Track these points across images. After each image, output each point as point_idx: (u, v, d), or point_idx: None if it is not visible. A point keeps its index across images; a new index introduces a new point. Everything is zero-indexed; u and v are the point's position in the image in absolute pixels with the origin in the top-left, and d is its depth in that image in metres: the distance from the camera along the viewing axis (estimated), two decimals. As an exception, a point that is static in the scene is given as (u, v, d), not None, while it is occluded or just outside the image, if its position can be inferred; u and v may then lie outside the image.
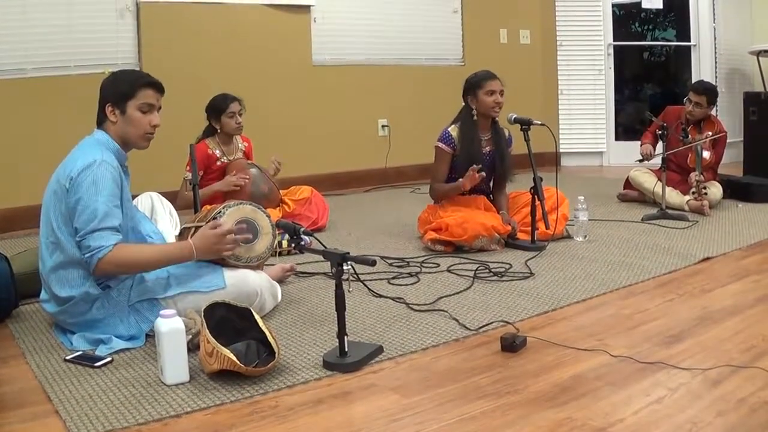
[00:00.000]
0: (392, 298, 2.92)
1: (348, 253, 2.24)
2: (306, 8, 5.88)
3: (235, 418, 1.91)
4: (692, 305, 2.78)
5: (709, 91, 4.80)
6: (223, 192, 4.01)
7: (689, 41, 7.37)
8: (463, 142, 3.78)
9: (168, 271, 2.50)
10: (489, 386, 2.07)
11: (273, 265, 3.18)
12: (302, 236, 2.58)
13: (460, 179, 3.69)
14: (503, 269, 3.31)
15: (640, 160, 4.82)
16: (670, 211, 4.45)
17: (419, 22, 6.57)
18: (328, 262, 2.29)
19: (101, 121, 2.50)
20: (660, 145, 4.54)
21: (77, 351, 2.36)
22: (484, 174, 3.73)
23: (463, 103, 3.86)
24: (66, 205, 2.35)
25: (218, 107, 4.08)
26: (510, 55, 7.03)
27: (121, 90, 2.45)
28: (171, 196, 3.32)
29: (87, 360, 2.28)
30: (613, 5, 7.33)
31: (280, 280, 3.09)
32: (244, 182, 4.01)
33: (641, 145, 4.94)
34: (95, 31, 4.92)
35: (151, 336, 2.41)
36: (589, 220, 4.02)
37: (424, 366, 2.25)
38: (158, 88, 2.52)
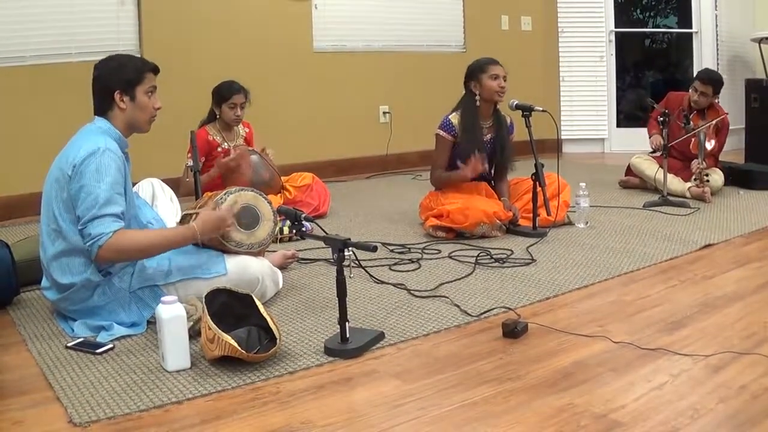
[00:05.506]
0: (393, 285, 2.92)
1: (349, 239, 2.24)
2: (307, -6, 5.86)
3: (237, 404, 1.91)
4: (694, 292, 2.78)
5: (715, 81, 4.79)
6: (224, 177, 3.98)
7: (691, 28, 7.33)
8: (464, 129, 3.77)
9: (169, 259, 2.50)
10: (490, 372, 2.07)
11: (274, 251, 3.18)
12: (303, 222, 2.58)
13: (462, 166, 3.69)
14: (505, 256, 3.31)
15: (652, 152, 4.80)
16: (671, 198, 4.44)
17: (420, 8, 6.54)
18: (330, 249, 2.29)
19: (104, 110, 2.48)
20: (663, 132, 4.52)
21: (78, 338, 2.36)
22: (486, 167, 3.75)
23: (464, 91, 3.84)
24: (68, 193, 2.34)
25: (222, 95, 4.04)
26: (511, 42, 7.00)
27: (128, 76, 2.46)
28: (172, 183, 3.31)
29: (88, 347, 2.29)
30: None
31: (282, 267, 3.09)
32: (236, 163, 3.94)
33: (650, 137, 4.89)
34: (96, 18, 4.89)
35: (152, 323, 2.41)
36: (591, 206, 4.02)
37: (426, 352, 2.25)
38: (158, 71, 2.57)
